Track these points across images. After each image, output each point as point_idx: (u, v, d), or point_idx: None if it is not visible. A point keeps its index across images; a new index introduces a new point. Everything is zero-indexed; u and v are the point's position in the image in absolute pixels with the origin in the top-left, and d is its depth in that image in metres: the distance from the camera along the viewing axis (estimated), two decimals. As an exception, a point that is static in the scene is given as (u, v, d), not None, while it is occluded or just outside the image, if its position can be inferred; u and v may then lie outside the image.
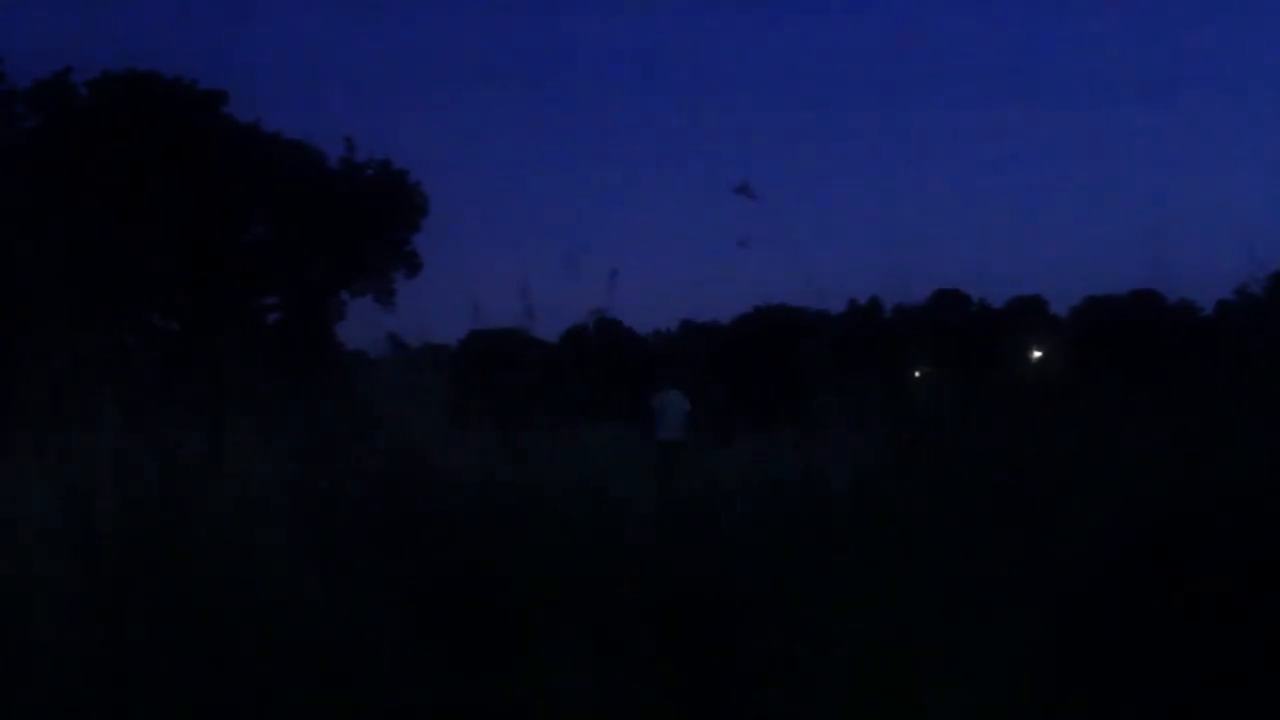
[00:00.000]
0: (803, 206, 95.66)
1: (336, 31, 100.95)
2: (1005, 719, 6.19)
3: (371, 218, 50.31)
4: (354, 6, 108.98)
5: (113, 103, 48.14)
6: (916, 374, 11.10)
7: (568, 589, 6.76)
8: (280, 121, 52.17)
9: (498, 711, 6.34)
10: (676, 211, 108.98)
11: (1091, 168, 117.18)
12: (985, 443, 8.11)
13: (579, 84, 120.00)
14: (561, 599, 6.70)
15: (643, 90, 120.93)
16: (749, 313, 66.76)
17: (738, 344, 54.77)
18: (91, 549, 6.74)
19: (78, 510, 6.93)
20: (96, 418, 7.33)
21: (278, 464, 7.76)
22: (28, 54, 64.31)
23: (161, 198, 44.56)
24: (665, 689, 6.38)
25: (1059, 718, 6.27)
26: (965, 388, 9.29)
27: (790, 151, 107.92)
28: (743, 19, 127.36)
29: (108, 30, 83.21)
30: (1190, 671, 6.38)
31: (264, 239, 51.05)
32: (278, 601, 6.65)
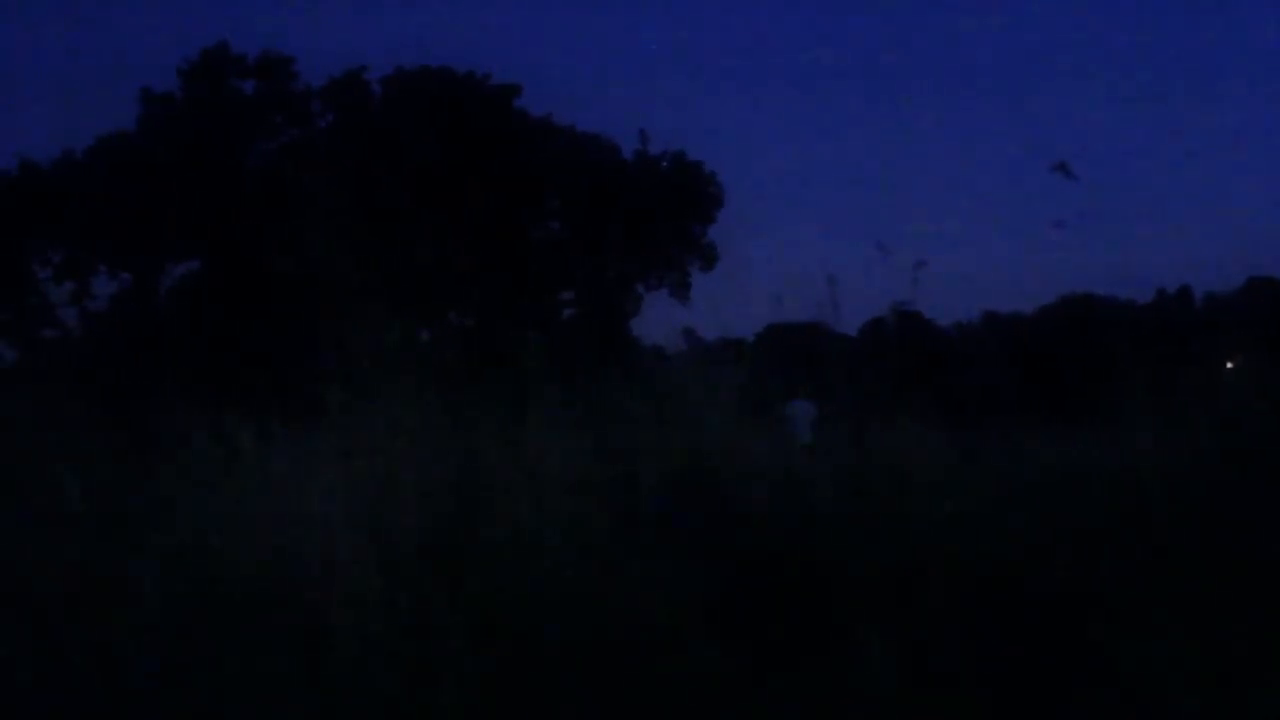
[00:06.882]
0: (1112, 195, 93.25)
1: (631, 22, 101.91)
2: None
3: (666, 210, 50.43)
4: None
5: (406, 99, 49.15)
6: (1229, 365, 10.74)
7: (872, 582, 6.65)
8: (573, 115, 52.60)
9: (802, 705, 6.26)
10: (985, 201, 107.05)
11: None
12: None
13: (883, 71, 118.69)
14: (865, 592, 6.59)
15: (951, 76, 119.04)
16: (1053, 303, 65.41)
17: (1041, 335, 53.68)
18: (396, 540, 6.85)
19: (382, 503, 7.05)
20: (397, 413, 7.45)
21: (577, 459, 7.79)
22: (321, 53, 66.35)
23: (457, 194, 45.44)
24: (974, 687, 6.22)
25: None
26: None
27: (1102, 138, 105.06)
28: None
29: (397, 27, 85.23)
30: None
31: (559, 234, 51.68)
32: (578, 591, 6.67)
